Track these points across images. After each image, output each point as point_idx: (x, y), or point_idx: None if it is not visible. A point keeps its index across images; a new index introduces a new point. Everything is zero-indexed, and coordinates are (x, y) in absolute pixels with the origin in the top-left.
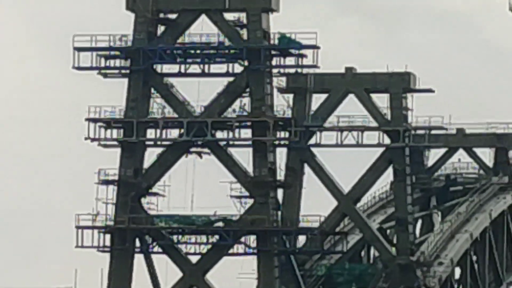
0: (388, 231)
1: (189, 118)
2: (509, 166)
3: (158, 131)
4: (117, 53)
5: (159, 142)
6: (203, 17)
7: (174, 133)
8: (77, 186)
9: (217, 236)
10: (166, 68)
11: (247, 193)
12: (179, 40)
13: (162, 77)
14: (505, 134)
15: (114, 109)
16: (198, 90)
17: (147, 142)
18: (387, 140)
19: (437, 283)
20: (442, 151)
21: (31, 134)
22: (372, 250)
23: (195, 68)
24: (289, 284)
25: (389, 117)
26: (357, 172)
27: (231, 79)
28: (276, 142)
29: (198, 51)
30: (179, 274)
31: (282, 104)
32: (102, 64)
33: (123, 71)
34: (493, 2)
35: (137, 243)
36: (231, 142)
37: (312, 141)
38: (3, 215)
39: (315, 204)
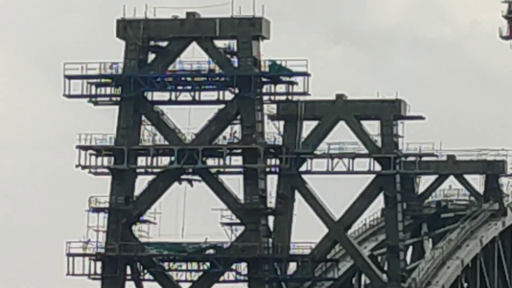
0: (379, 258)
1: (179, 145)
2: (499, 193)
3: (149, 158)
4: (108, 80)
5: (149, 170)
6: (194, 44)
7: (165, 160)
8: (68, 213)
9: (208, 264)
10: (157, 95)
11: (238, 221)
12: (170, 68)
13: (152, 104)
14: (495, 161)
15: (105, 137)
16: (189, 118)
17: (138, 170)
18: (377, 167)
19: None
20: (432, 178)
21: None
22: (363, 277)
23: (185, 96)
24: None
25: (379, 144)
26: (348, 199)
27: (221, 106)
28: (267, 169)
29: (188, 79)
30: None
31: (272, 131)
32: (93, 92)
33: (113, 99)
34: (483, 30)
35: (128, 271)
36: (222, 170)
37: (303, 168)
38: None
39: (306, 231)
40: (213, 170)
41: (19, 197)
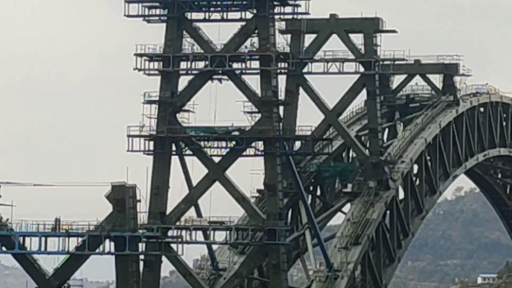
0: (362, 137)
1: (212, 53)
2: (454, 88)
3: (189, 63)
4: (158, 4)
5: (189, 72)
6: None
7: (200, 64)
8: (128, 105)
9: (234, 142)
10: (195, 15)
11: (256, 109)
12: None
13: (191, 22)
14: (451, 64)
15: (156, 47)
16: (219, 32)
17: (181, 72)
18: (361, 69)
19: (400, 176)
20: (403, 77)
21: (91, 65)
22: (351, 152)
23: (216, 15)
24: (288, 178)
25: (363, 51)
26: (339, 93)
27: (243, 23)
28: (278, 71)
29: (219, 2)
30: (204, 171)
31: (282, 42)
32: (146, 12)
33: (162, 18)
34: None
35: (173, 148)
36: (244, 71)
37: (305, 70)
38: (73, 127)
39: (307, 117)
40: (237, 72)
41: (92, 94)
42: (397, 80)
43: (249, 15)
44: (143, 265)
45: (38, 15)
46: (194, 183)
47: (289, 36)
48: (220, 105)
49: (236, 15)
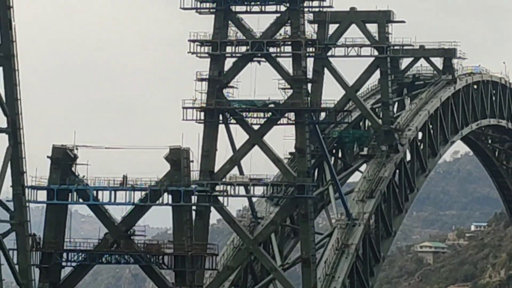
0: (376, 109)
1: (252, 39)
2: (452, 69)
3: (233, 47)
4: None
5: (233, 55)
6: None
7: (243, 49)
8: (184, 82)
9: (270, 113)
10: (238, 8)
11: (289, 86)
12: None
13: (236, 13)
14: (450, 49)
15: (206, 34)
16: (258, 22)
17: (226, 55)
18: (376, 53)
19: (407, 141)
20: (410, 59)
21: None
22: (367, 122)
23: (256, 8)
24: (315, 142)
25: (377, 38)
26: (357, 73)
27: (278, 15)
28: (307, 54)
29: None
30: (246, 137)
31: (310, 30)
32: (198, 6)
33: (211, 10)
34: None
35: (220, 118)
36: (279, 54)
37: (329, 53)
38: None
39: (331, 93)
40: (273, 55)
41: (154, 73)
42: (405, 62)
43: (283, 8)
44: (195, 214)
45: (113, 10)
46: (237, 147)
47: (316, 25)
48: (258, 82)
49: (272, 8)
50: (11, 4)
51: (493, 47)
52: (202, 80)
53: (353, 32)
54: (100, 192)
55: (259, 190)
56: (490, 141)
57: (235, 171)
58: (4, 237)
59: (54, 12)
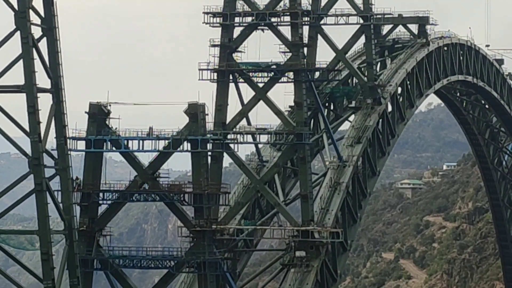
0: (362, 69)
1: (257, 11)
2: (426, 34)
3: (241, 18)
4: None
5: (241, 24)
6: None
7: (249, 19)
8: (199, 48)
9: (272, 73)
10: None
11: (288, 50)
12: None
13: None
14: (424, 16)
15: (217, 7)
16: None
17: (235, 24)
18: (361, 21)
19: (389, 95)
20: (390, 26)
21: (175, 23)
22: (354, 79)
23: None
24: (310, 97)
25: (362, 9)
26: (345, 38)
27: None
28: (303, 23)
29: None
30: (252, 93)
31: (305, 2)
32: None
33: None
34: None
35: (231, 77)
36: (279, 23)
37: (322, 22)
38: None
39: (324, 55)
40: (275, 24)
41: (174, 40)
42: (386, 28)
43: None
44: (210, 159)
45: None
46: (245, 102)
47: None
48: (262, 47)
49: None
50: None
51: (461, 15)
52: (214, 46)
53: (342, 4)
54: (130, 142)
55: (264, 138)
56: (458, 94)
57: (243, 122)
58: (50, 180)
59: None
